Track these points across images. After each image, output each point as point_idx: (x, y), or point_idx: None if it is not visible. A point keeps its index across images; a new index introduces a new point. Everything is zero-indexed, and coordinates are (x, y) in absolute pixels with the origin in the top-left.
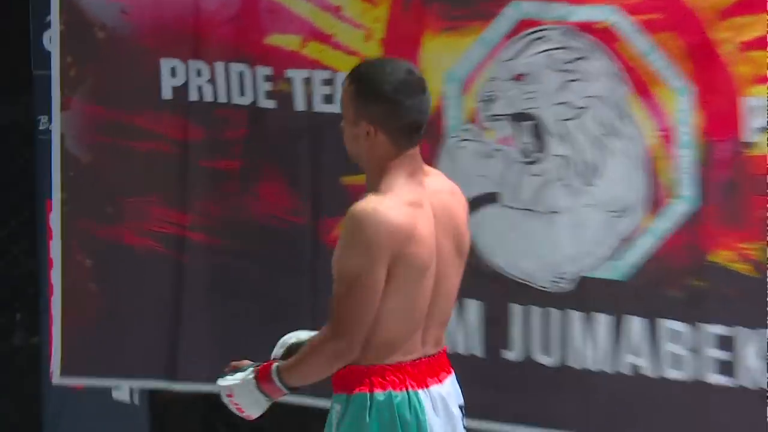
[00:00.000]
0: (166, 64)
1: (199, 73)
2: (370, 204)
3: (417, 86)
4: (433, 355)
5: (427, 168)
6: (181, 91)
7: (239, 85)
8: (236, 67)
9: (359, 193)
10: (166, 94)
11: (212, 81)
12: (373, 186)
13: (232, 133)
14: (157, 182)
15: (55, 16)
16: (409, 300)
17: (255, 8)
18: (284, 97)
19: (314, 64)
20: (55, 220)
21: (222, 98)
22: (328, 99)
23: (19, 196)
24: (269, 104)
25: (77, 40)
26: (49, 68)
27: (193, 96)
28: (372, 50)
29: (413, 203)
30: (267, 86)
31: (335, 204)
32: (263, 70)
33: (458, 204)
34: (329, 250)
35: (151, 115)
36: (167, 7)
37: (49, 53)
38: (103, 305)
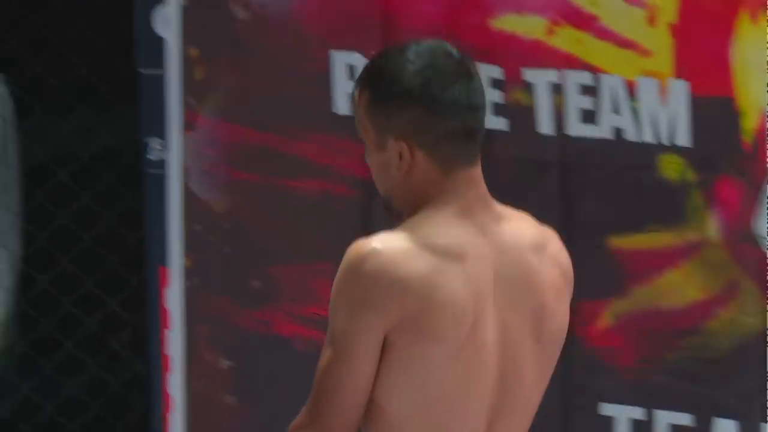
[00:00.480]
0: (340, 60)
1: None
2: (372, 243)
3: (459, 71)
4: None
5: (502, 209)
6: None
7: None
8: None
9: (635, 261)
10: (341, 106)
11: None
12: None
13: None
14: (328, 242)
15: None
16: (433, 391)
17: None
18: (521, 112)
19: (567, 62)
20: (173, 298)
21: None
22: (589, 116)
23: (120, 262)
24: (498, 123)
25: (206, 23)
26: (163, 66)
27: None
28: (658, 40)
29: (445, 251)
30: (495, 95)
31: (599, 277)
32: (489, 71)
33: (546, 267)
34: (589, 351)
35: (320, 139)
36: None
37: (162, 42)
38: (247, 428)
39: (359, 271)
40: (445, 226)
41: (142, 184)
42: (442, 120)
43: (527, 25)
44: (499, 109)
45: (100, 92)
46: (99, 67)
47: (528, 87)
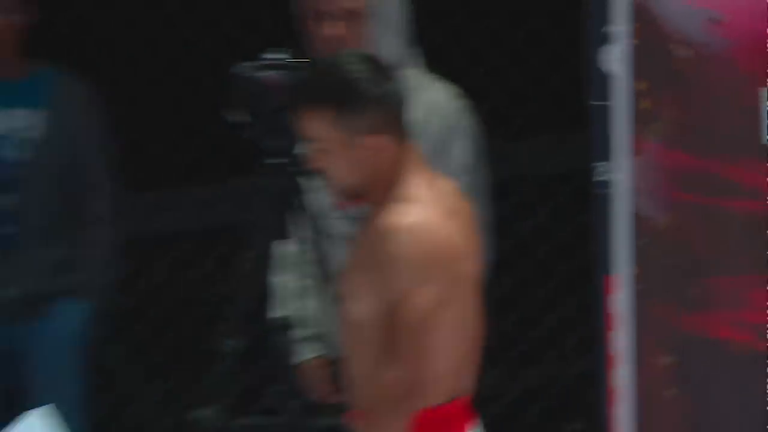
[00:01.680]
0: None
1: None
2: (406, 217)
3: (382, 64)
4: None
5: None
6: None
7: None
8: None
9: None
10: None
11: None
12: (391, 198)
13: None
14: (758, 257)
15: (624, 27)
16: (465, 327)
17: None
18: None
19: None
20: (622, 303)
21: None
22: None
23: (572, 271)
24: None
25: (652, 60)
26: (609, 97)
27: None
28: None
29: (446, 211)
30: None
31: None
32: None
33: (468, 208)
34: None
35: (751, 164)
36: None
37: (605, 76)
38: (686, 415)
39: (414, 243)
40: (431, 192)
41: (588, 203)
42: (397, 108)
43: None
44: None
45: (556, 121)
46: (555, 98)
47: None
